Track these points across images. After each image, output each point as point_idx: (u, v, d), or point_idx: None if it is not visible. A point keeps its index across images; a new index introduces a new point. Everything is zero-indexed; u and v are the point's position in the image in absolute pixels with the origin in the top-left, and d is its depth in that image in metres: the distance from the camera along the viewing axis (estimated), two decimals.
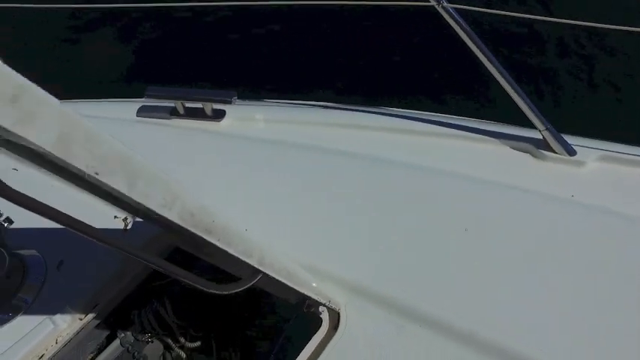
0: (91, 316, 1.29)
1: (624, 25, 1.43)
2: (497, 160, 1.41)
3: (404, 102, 1.64)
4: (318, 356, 1.03)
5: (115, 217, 1.51)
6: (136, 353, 1.48)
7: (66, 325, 1.26)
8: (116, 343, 1.43)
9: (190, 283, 0.84)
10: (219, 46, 4.45)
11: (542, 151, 1.40)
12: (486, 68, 1.37)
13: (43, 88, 0.45)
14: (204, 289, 0.84)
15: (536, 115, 1.36)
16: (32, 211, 0.75)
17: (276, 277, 0.84)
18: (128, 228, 1.47)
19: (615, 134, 1.53)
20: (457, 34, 1.35)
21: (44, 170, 0.95)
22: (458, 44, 1.37)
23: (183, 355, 1.63)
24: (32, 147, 0.46)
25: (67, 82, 3.24)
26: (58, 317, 1.26)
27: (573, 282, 1.10)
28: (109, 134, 0.51)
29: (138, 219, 1.44)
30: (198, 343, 1.63)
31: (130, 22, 4.81)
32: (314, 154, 1.51)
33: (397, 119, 1.56)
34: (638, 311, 1.03)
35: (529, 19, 1.64)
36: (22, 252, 1.44)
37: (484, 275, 1.13)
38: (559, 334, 1.03)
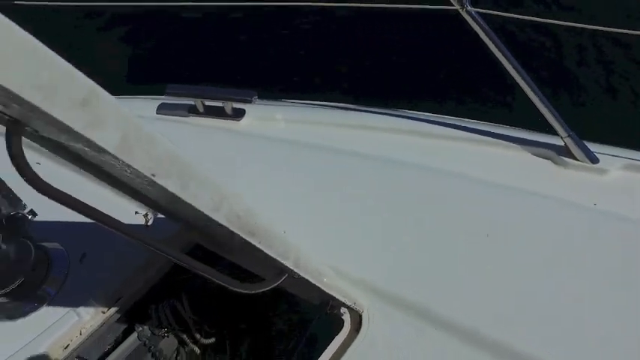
0: (113, 309, 1.32)
1: None
2: (518, 166, 1.40)
3: (424, 105, 1.63)
4: (340, 358, 1.04)
5: (136, 212, 1.54)
6: (152, 347, 1.51)
7: (89, 317, 1.29)
8: (134, 336, 1.46)
9: (216, 280, 0.86)
10: (236, 46, 4.47)
11: (564, 158, 1.38)
12: (509, 73, 1.36)
13: None
14: (229, 288, 0.85)
15: (559, 122, 1.35)
16: (65, 206, 0.77)
17: (309, 279, 0.85)
18: (149, 224, 1.50)
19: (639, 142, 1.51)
20: (480, 37, 1.34)
21: (71, 165, 0.98)
22: (480, 48, 1.37)
23: (197, 350, 1.65)
24: (94, 148, 0.47)
25: None
26: (81, 309, 1.29)
27: (593, 290, 1.09)
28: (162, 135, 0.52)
29: (160, 215, 1.47)
30: (212, 340, 1.65)
31: (140, 22, 4.86)
32: (333, 155, 1.52)
33: (416, 122, 1.56)
34: None
35: (552, 24, 1.62)
36: (45, 244, 1.48)
37: (503, 281, 1.13)
38: (577, 341, 1.02)
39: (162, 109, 1.89)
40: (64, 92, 0.42)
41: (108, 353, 1.38)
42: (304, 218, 1.33)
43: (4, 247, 1.27)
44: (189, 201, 0.55)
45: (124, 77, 4.27)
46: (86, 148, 0.73)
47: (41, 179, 0.72)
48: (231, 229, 0.61)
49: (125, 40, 4.83)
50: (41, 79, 0.40)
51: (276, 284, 0.90)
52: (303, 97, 1.88)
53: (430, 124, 1.53)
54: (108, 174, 0.97)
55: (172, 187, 0.52)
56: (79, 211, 0.80)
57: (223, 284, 0.86)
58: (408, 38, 4.11)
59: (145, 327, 1.48)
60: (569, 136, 1.36)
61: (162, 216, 1.48)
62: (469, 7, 1.28)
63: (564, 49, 4.00)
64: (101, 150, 0.48)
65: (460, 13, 1.28)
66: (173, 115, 1.85)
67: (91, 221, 1.77)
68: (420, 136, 1.49)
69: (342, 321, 1.10)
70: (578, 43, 4.02)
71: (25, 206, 1.57)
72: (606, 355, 0.99)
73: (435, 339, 1.04)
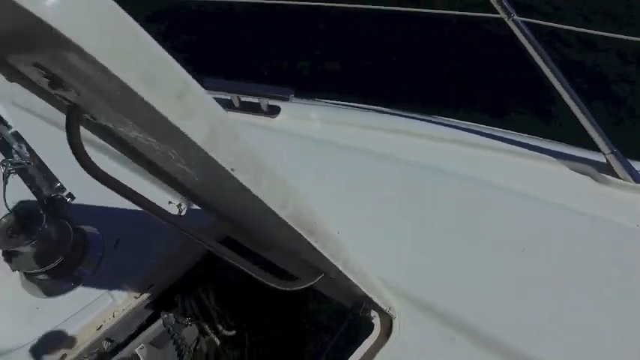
0: (145, 295, 1.36)
1: None
2: (558, 181, 1.37)
3: (464, 114, 1.60)
4: None
5: (170, 202, 1.58)
6: (175, 334, 1.55)
7: (122, 301, 1.34)
8: (159, 322, 1.50)
9: (252, 274, 0.87)
10: (243, 44, 4.48)
11: (605, 176, 1.34)
12: (552, 85, 1.33)
13: None
14: (266, 283, 0.87)
15: (602, 137, 1.31)
16: (114, 191, 0.81)
17: (354, 280, 0.85)
18: (182, 214, 1.54)
19: None
20: (524, 47, 1.32)
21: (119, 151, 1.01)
22: (524, 58, 1.34)
23: (217, 341, 1.68)
24: (180, 141, 0.47)
25: None
26: (115, 293, 1.34)
27: (634, 311, 1.06)
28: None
29: (195, 206, 1.50)
30: (233, 332, 1.68)
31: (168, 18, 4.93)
32: (367, 157, 1.51)
33: (457, 130, 1.54)
34: None
35: (596, 35, 1.57)
36: (83, 227, 1.53)
37: (537, 296, 1.11)
38: None
39: None
40: (164, 83, 0.42)
41: (133, 336, 1.42)
42: (335, 219, 1.34)
43: (46, 226, 1.32)
44: (260, 197, 0.55)
45: None
46: (144, 138, 0.75)
47: (95, 164, 0.75)
48: (293, 226, 0.62)
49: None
50: (146, 70, 0.41)
51: (312, 283, 0.91)
52: (344, 98, 1.88)
53: (470, 134, 1.51)
54: (150, 161, 1.01)
55: (247, 182, 0.53)
56: (127, 197, 0.83)
57: (259, 278, 0.88)
58: (454, 46, 4.04)
59: (171, 314, 1.52)
60: (612, 152, 1.32)
61: (195, 207, 1.52)
62: (515, 17, 1.26)
63: (607, 62, 3.86)
64: (188, 144, 0.48)
65: (506, 22, 1.26)
66: None
67: (125, 208, 1.83)
68: (461, 145, 1.48)
69: (372, 325, 1.10)
70: (622, 56, 3.88)
71: (64, 189, 1.64)
72: None
73: (465, 349, 1.03)
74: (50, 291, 1.38)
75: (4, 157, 1.53)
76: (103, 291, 1.35)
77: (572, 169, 1.41)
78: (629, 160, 1.33)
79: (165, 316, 1.50)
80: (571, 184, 1.36)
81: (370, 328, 1.10)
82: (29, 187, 1.64)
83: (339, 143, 1.55)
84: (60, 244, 1.37)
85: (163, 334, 1.51)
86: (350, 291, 1.05)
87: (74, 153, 0.71)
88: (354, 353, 1.06)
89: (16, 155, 1.59)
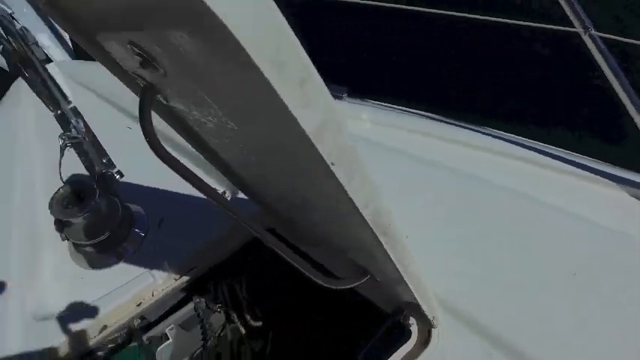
0: (185, 278, 1.38)
1: None
2: (619, 208, 1.30)
3: (525, 130, 1.54)
4: None
5: (214, 189, 1.59)
6: (204, 319, 1.57)
7: (162, 281, 1.36)
8: (190, 306, 1.52)
9: (299, 267, 0.86)
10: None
11: None
12: (623, 105, 1.27)
13: None
14: (312, 278, 0.86)
15: None
16: (177, 172, 0.81)
17: (410, 286, 0.84)
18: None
19: None
20: (597, 64, 1.26)
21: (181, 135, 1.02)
22: (596, 75, 1.28)
23: (242, 331, 1.69)
24: (289, 128, 0.45)
25: None
26: (156, 272, 1.37)
27: None
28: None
29: (241, 195, 1.51)
30: (259, 323, 1.68)
31: None
32: (414, 162, 1.49)
33: (511, 145, 1.49)
34: None
35: None
36: (129, 205, 1.57)
37: (583, 323, 1.06)
38: None
39: None
40: (290, 69, 0.40)
41: (164, 317, 1.45)
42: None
43: (98, 201, 1.36)
44: (350, 194, 0.54)
45: None
46: (218, 122, 0.75)
47: (160, 143, 0.76)
48: (371, 225, 0.61)
49: None
50: (278, 53, 0.39)
51: (358, 284, 0.90)
52: (397, 101, 1.85)
53: (527, 150, 1.46)
54: (208, 147, 1.01)
55: (342, 177, 0.51)
56: (187, 179, 0.84)
57: (305, 273, 0.87)
58: (519, 58, 3.90)
59: (202, 299, 1.54)
60: None
61: (239, 196, 1.53)
62: (593, 31, 1.20)
63: None
64: (298, 134, 0.46)
65: (581, 37, 1.20)
66: None
67: (169, 190, 1.86)
68: (510, 158, 1.43)
69: (409, 332, 1.08)
70: None
71: (114, 166, 1.69)
72: None
73: None
74: (95, 263, 1.43)
75: (62, 131, 1.59)
76: (144, 269, 1.38)
77: (632, 195, 1.34)
78: None
79: (198, 300, 1.52)
80: (629, 211, 1.30)
81: (406, 334, 1.09)
82: (82, 161, 1.70)
83: (389, 146, 1.53)
84: (108, 219, 1.41)
85: (193, 317, 1.53)
86: (394, 295, 1.03)
87: (143, 130, 0.72)
88: (389, 359, 1.04)
89: (73, 130, 1.65)
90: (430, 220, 1.31)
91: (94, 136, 1.70)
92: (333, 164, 0.48)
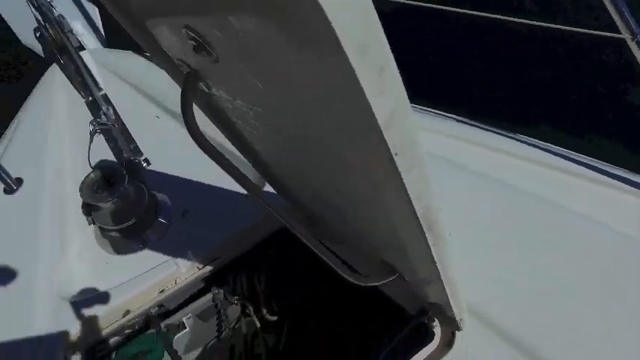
0: (208, 267, 1.38)
1: None
2: None
3: (559, 135, 1.51)
4: None
5: None
6: (221, 311, 1.57)
7: (185, 269, 1.37)
8: (208, 296, 1.52)
9: (328, 261, 0.85)
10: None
11: None
12: None
13: None
14: (339, 272, 0.85)
15: None
16: (212, 159, 0.81)
17: (446, 287, 0.82)
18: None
19: None
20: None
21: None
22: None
23: (257, 324, 1.69)
24: (361, 113, 0.44)
25: None
26: (179, 260, 1.37)
27: None
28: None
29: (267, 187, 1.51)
30: (275, 318, 1.68)
31: None
32: (447, 166, 1.46)
33: (545, 153, 1.45)
34: None
35: None
36: (155, 193, 1.58)
37: (614, 333, 1.03)
38: None
39: None
40: (372, 54, 0.39)
41: (183, 305, 1.45)
42: None
43: (127, 187, 1.37)
44: (407, 185, 0.53)
45: None
46: (262, 112, 0.74)
47: (200, 131, 0.76)
48: (419, 219, 0.59)
49: None
50: (365, 37, 0.37)
51: (385, 281, 0.89)
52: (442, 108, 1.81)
53: (561, 159, 1.43)
54: (243, 138, 1.01)
55: (403, 169, 0.50)
56: (223, 167, 0.84)
57: (334, 267, 0.86)
58: (567, 66, 3.79)
59: (221, 291, 1.54)
60: None
61: (266, 190, 1.53)
62: None
63: None
64: (369, 124, 0.45)
65: (627, 43, 1.17)
66: None
67: (194, 180, 1.85)
68: (548, 168, 1.40)
69: (432, 333, 1.07)
70: None
71: (141, 154, 1.70)
72: None
73: None
74: (119, 249, 1.44)
75: (92, 117, 1.62)
76: (168, 257, 1.39)
77: None
78: None
79: (216, 291, 1.53)
80: None
81: (429, 335, 1.07)
82: (111, 147, 1.72)
83: (432, 154, 1.50)
84: (135, 206, 1.42)
85: (210, 308, 1.53)
86: (419, 295, 1.01)
87: (184, 116, 0.72)
88: (410, 359, 1.02)
89: (103, 116, 1.67)
90: (464, 223, 1.29)
91: (123, 123, 1.72)
92: (396, 154, 0.47)
